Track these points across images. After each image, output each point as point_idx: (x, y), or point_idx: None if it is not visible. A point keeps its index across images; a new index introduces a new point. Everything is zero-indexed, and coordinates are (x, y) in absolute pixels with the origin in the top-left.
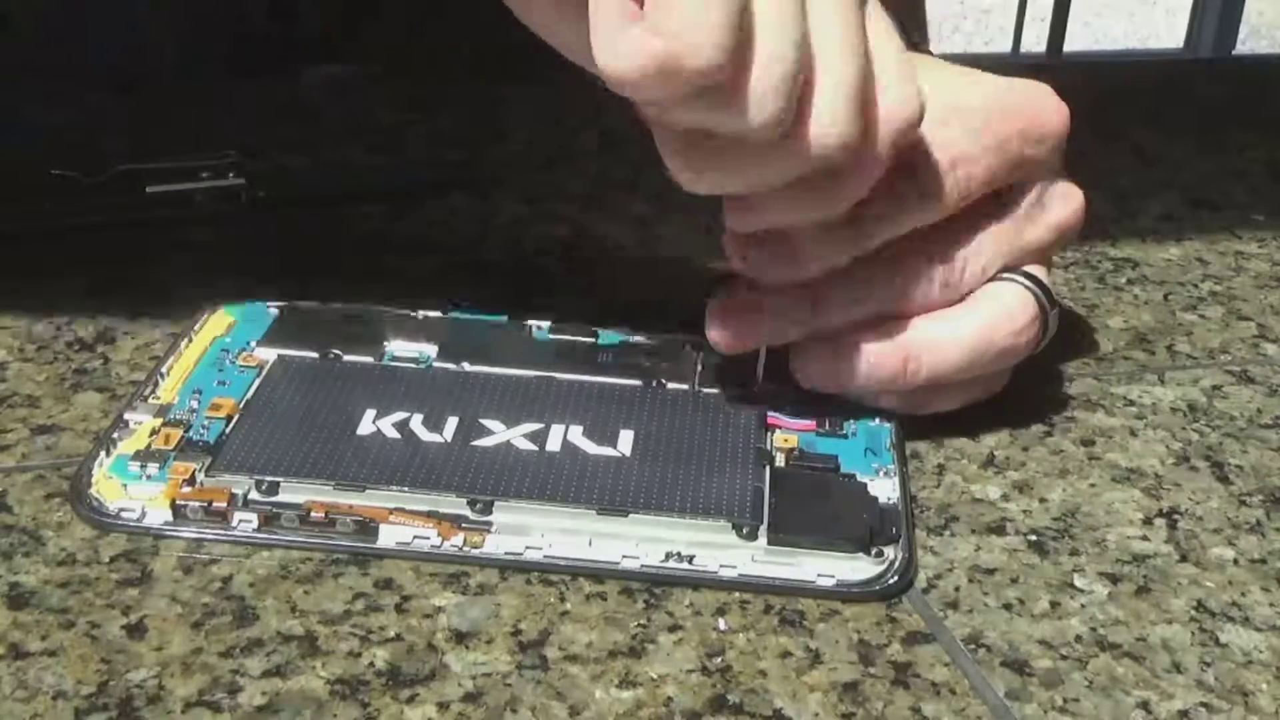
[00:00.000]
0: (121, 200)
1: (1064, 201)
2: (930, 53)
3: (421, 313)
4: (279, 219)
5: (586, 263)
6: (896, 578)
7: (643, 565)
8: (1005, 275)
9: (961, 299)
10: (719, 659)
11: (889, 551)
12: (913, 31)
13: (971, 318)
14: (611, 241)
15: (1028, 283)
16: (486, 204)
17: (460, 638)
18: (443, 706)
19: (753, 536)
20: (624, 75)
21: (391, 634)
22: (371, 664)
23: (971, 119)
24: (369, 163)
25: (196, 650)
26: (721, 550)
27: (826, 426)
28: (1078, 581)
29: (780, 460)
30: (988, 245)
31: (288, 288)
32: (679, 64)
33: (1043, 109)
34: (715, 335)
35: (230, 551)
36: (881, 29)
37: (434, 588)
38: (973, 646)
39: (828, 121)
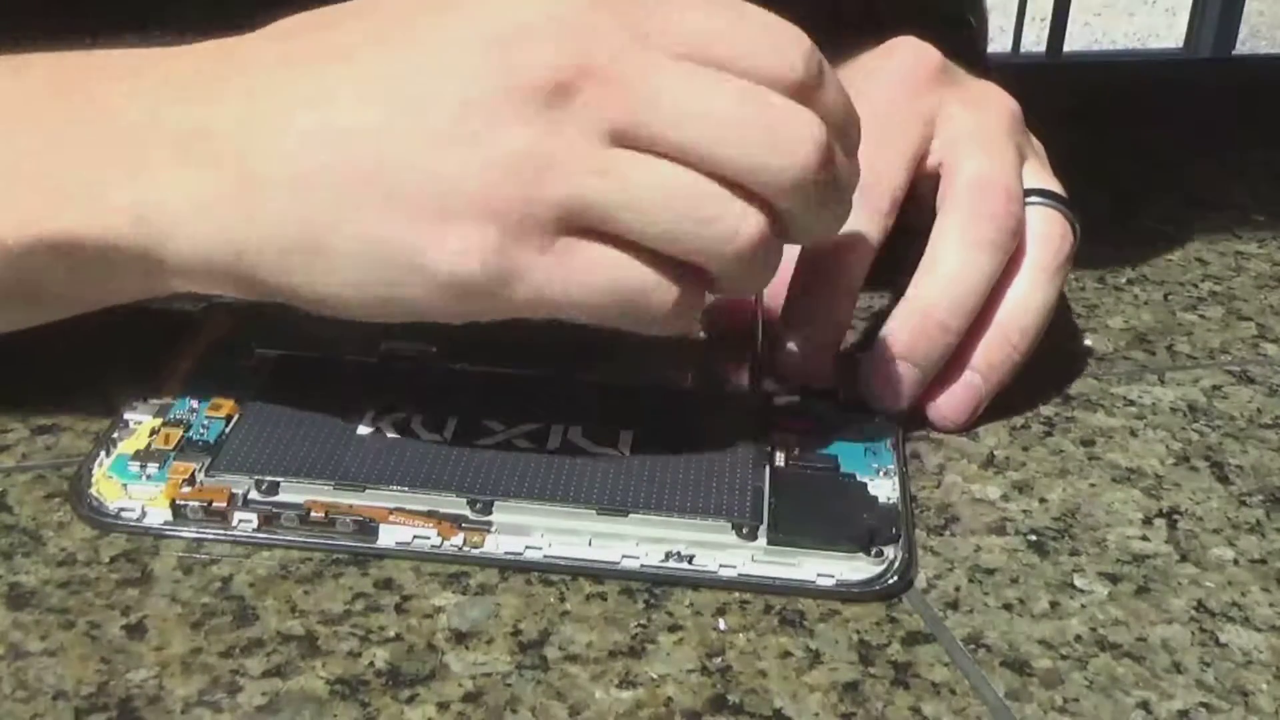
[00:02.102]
0: None
1: (994, 102)
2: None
3: None
4: None
5: None
6: (896, 578)
7: (642, 565)
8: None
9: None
10: (719, 659)
11: (889, 551)
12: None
13: (1028, 268)
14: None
15: (1043, 200)
16: None
17: (460, 638)
18: (443, 706)
19: (752, 536)
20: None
21: (391, 634)
22: (371, 664)
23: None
24: None
25: (196, 650)
26: (721, 550)
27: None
28: (1078, 581)
29: (780, 460)
30: (1000, 161)
31: None
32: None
33: (897, 63)
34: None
35: (230, 551)
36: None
37: (434, 588)
38: (973, 646)
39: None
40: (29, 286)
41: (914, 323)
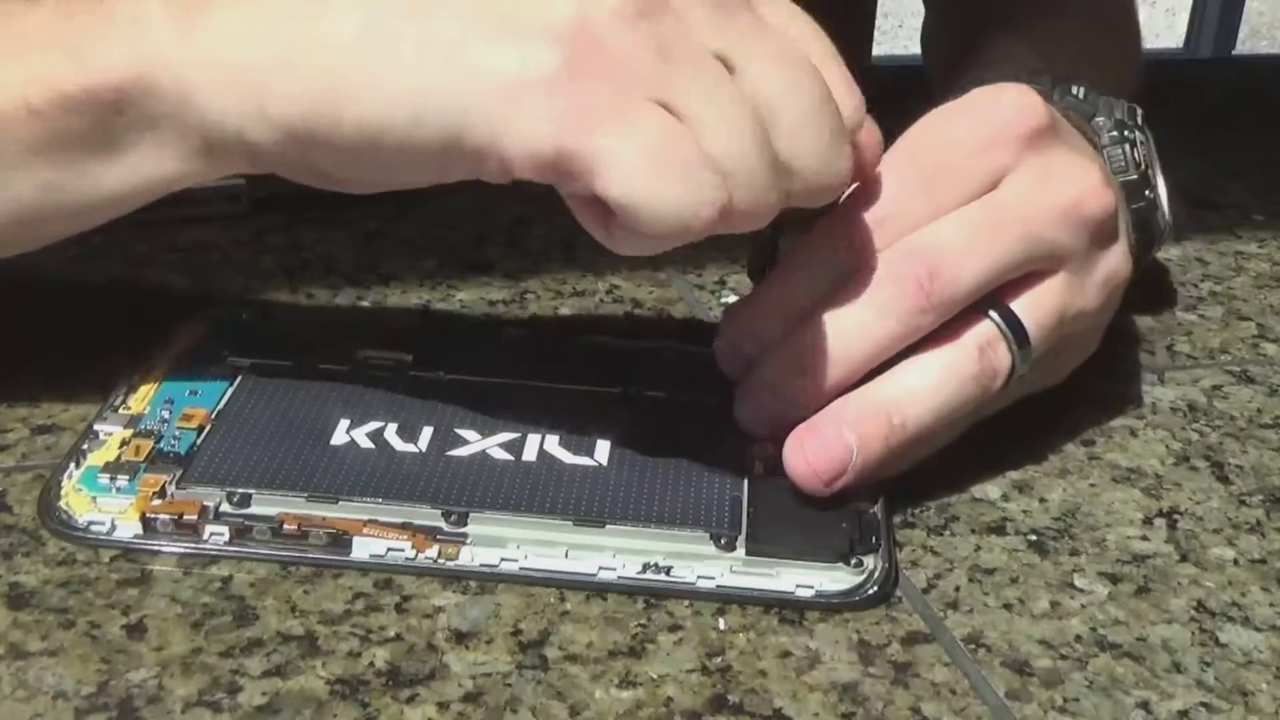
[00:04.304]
0: None
1: (1067, 183)
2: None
3: (397, 319)
4: (279, 219)
5: (586, 263)
6: (876, 588)
7: (619, 577)
8: (978, 305)
9: (960, 308)
10: (719, 659)
11: (868, 561)
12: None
13: (930, 354)
14: None
15: (999, 320)
16: (486, 204)
17: (460, 638)
18: (443, 706)
19: (731, 547)
20: (642, 253)
21: (391, 634)
22: (371, 664)
23: (900, 161)
24: None
25: (196, 650)
26: (699, 561)
27: None
28: (1078, 581)
29: (759, 469)
30: (970, 243)
31: (286, 288)
32: (687, 236)
33: (990, 118)
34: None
35: None
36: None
37: (434, 588)
38: (973, 646)
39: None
40: (59, 160)
41: (787, 360)
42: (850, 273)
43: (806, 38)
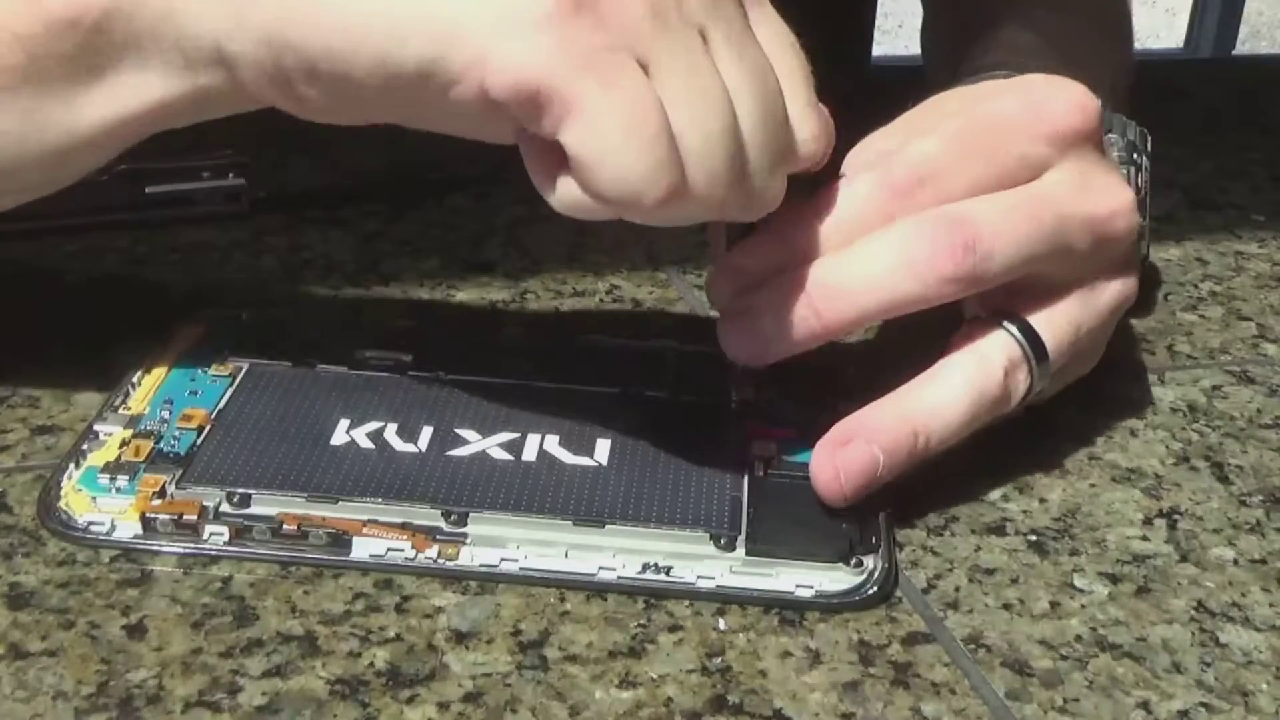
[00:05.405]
0: (121, 200)
1: (1103, 196)
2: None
3: (397, 319)
4: (279, 219)
5: (586, 263)
6: (876, 588)
7: (619, 577)
8: (997, 318)
9: (982, 288)
10: (719, 659)
11: (868, 561)
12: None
13: (956, 370)
14: (611, 241)
15: (1018, 334)
16: (486, 204)
17: (460, 638)
18: (443, 706)
19: (730, 547)
20: (576, 213)
21: (391, 634)
22: (371, 664)
23: (950, 126)
24: (369, 162)
25: (196, 650)
26: (699, 561)
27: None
28: (1078, 581)
29: (759, 469)
30: (1009, 224)
31: (286, 289)
32: (633, 209)
33: (1047, 108)
34: (728, 347)
35: None
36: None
37: (434, 588)
38: (973, 646)
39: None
40: (42, 87)
41: (797, 286)
42: (887, 222)
43: (780, 51)
